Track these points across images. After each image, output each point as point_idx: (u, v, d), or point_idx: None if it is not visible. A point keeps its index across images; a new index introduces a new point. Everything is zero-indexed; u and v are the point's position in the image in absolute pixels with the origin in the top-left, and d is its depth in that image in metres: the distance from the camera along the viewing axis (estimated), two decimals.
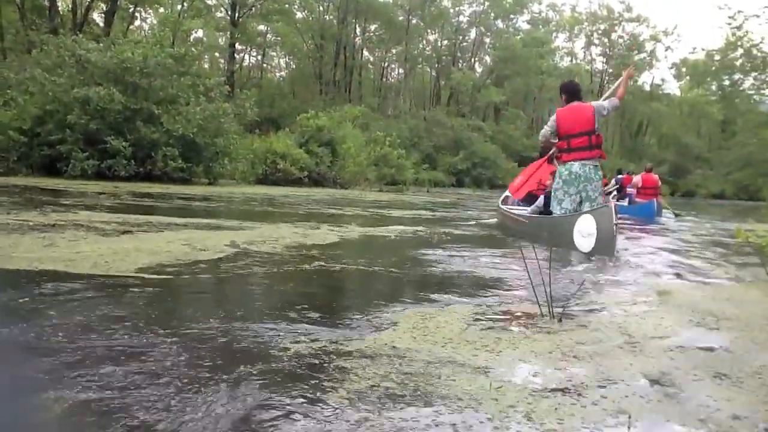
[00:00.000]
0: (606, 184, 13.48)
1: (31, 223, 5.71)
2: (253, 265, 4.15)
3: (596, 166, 6.28)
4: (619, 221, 5.73)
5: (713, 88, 61.02)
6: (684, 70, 66.78)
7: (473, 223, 9.60)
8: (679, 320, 2.94)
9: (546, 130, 6.51)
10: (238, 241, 5.29)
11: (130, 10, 34.92)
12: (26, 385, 1.72)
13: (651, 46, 63.40)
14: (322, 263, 4.41)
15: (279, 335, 2.32)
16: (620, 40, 62.89)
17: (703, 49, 61.81)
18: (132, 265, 3.82)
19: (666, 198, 18.01)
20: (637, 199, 14.65)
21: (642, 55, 63.57)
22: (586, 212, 5.69)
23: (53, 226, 5.65)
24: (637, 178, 15.24)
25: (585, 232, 5.59)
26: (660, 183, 15.14)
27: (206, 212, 9.10)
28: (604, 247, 5.32)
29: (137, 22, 40.35)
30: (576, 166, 6.22)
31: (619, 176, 16.45)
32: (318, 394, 1.73)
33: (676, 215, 14.81)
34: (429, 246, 6.25)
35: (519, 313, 3.01)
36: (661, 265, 5.34)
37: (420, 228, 7.95)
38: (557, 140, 6.44)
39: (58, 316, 2.42)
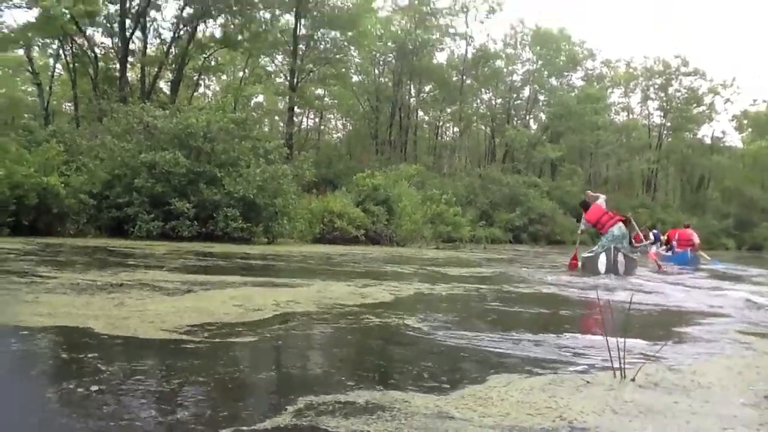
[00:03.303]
0: (641, 239, 17.85)
1: (99, 283, 5.94)
2: (306, 325, 4.21)
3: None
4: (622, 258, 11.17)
5: None
6: (745, 122, 65.19)
7: (533, 279, 9.48)
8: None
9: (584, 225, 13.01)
10: (293, 299, 5.38)
11: (195, 78, 36.48)
12: None
13: (710, 99, 62.14)
14: (380, 323, 4.43)
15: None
16: (678, 94, 61.93)
17: (764, 101, 60.35)
18: (189, 321, 3.94)
19: (731, 251, 23.95)
20: (678, 250, 18.88)
21: (700, 109, 62.43)
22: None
23: (121, 285, 5.86)
24: (673, 233, 19.51)
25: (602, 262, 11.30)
26: (695, 237, 18.99)
27: (265, 271, 9.27)
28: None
29: (201, 89, 42.06)
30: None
31: (654, 231, 21.08)
32: None
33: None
34: (488, 302, 6.21)
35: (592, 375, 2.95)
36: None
37: (481, 286, 7.90)
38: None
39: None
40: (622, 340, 2.97)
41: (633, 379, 2.79)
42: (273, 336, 3.73)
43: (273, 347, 3.49)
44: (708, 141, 65.13)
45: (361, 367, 2.98)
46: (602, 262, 11.23)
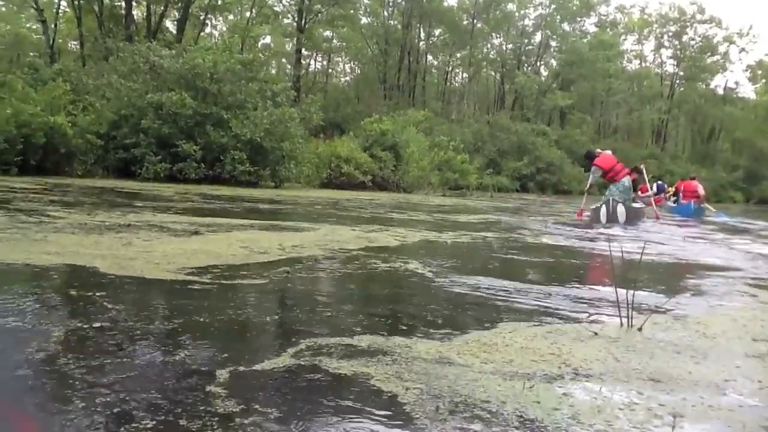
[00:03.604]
0: (647, 190, 17.78)
1: (107, 223, 5.97)
2: (312, 268, 4.24)
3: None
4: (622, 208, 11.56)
5: None
6: (760, 72, 64.04)
7: (540, 228, 9.49)
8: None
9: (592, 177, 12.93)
10: (299, 242, 5.40)
11: (201, 18, 35.91)
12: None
13: (724, 48, 61.06)
14: (386, 268, 4.46)
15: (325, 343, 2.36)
16: (692, 42, 60.74)
17: None
18: (195, 263, 3.97)
19: (739, 204, 23.34)
20: (683, 201, 18.82)
21: (715, 58, 61.33)
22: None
23: (129, 226, 5.89)
24: (679, 185, 19.51)
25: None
26: (700, 189, 18.77)
27: (272, 214, 9.30)
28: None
29: (208, 29, 41.46)
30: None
31: (659, 182, 20.73)
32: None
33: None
34: (498, 251, 6.23)
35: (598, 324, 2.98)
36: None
37: (487, 234, 7.92)
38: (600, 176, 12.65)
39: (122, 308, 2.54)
40: (630, 291, 2.98)
41: (640, 329, 2.80)
42: (278, 279, 3.75)
43: (278, 290, 3.52)
44: (720, 91, 64.22)
45: (366, 312, 3.00)
46: (603, 213, 11.75)
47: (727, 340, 2.78)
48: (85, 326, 2.35)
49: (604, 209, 11.79)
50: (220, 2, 35.74)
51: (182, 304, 2.88)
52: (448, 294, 3.59)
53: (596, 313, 3.21)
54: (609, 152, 13.13)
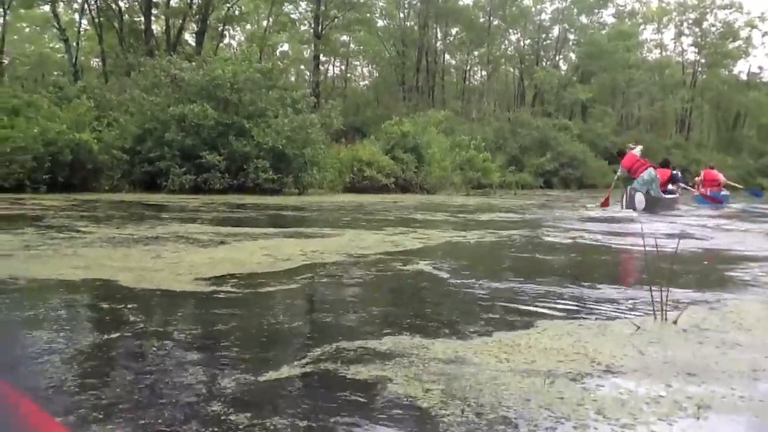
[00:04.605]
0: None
1: (135, 236, 6.07)
2: (336, 274, 4.27)
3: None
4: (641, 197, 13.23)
5: None
6: None
7: (566, 225, 9.44)
8: None
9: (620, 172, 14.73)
10: (324, 249, 5.44)
11: (219, 29, 36.27)
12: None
13: (746, 33, 59.96)
14: (410, 271, 4.48)
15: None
16: (713, 29, 59.89)
17: None
18: (222, 271, 4.04)
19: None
20: (702, 190, 18.77)
21: (737, 43, 60.39)
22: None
23: (157, 238, 5.99)
24: (701, 174, 19.44)
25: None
26: (720, 176, 19.19)
27: (297, 221, 9.37)
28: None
29: (226, 40, 41.84)
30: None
31: (674, 171, 19.44)
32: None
33: (756, 193, 20.23)
34: (524, 250, 6.22)
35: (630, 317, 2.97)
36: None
37: (513, 232, 7.90)
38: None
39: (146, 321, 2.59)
40: (663, 284, 2.98)
41: (675, 322, 2.80)
42: (302, 285, 3.80)
43: (301, 296, 3.56)
44: (744, 77, 63.14)
45: (388, 316, 3.02)
46: (624, 201, 13.82)
47: (763, 330, 2.76)
48: (117, 338, 2.41)
49: (625, 197, 13.85)
50: (237, 12, 36.08)
51: (208, 314, 2.93)
52: (471, 296, 3.60)
53: (630, 309, 3.21)
54: (638, 149, 14.72)
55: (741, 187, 19.72)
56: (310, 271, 4.31)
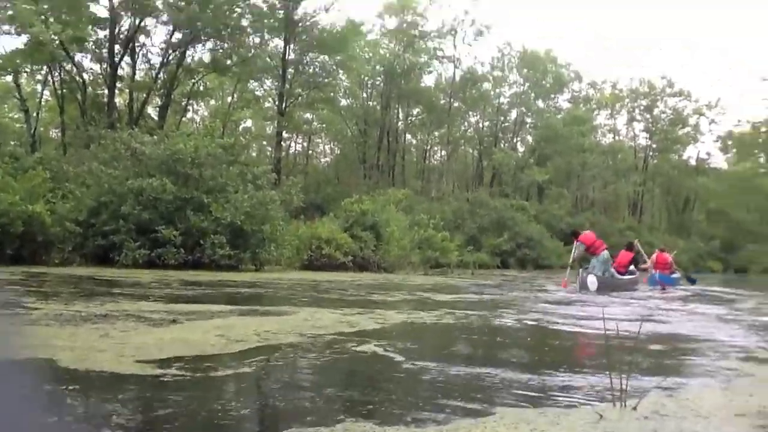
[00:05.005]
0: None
1: (83, 314, 5.92)
2: (290, 356, 4.22)
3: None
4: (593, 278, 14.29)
5: (762, 160, 59.90)
6: (730, 143, 65.67)
7: (523, 307, 9.51)
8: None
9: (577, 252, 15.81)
10: (279, 329, 5.38)
11: (183, 104, 36.55)
12: None
13: (694, 120, 62.99)
14: (366, 354, 4.44)
15: None
16: (663, 115, 62.67)
17: (748, 121, 60.65)
18: (172, 353, 3.95)
19: (717, 274, 25.67)
20: (653, 271, 18.71)
21: (686, 130, 63.15)
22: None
23: (106, 316, 5.85)
24: (653, 257, 19.28)
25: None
26: (670, 259, 19.36)
27: (252, 299, 9.26)
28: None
29: (189, 114, 42.10)
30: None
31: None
32: None
33: (691, 280, 20.02)
34: (480, 333, 6.23)
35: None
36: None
37: (470, 312, 7.92)
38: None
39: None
40: (624, 372, 3.02)
41: (635, 408, 2.82)
42: (257, 368, 3.74)
43: (253, 380, 3.50)
44: (693, 162, 65.74)
45: (343, 401, 2.99)
46: (579, 282, 14.64)
47: (719, 419, 2.80)
48: (52, 421, 2.33)
49: (579, 279, 14.70)
50: (202, 88, 36.51)
51: (153, 398, 2.86)
52: (427, 381, 3.58)
53: (589, 396, 3.22)
54: (590, 232, 16.50)
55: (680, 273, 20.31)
56: (263, 352, 4.25)
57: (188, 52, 32.34)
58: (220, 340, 4.64)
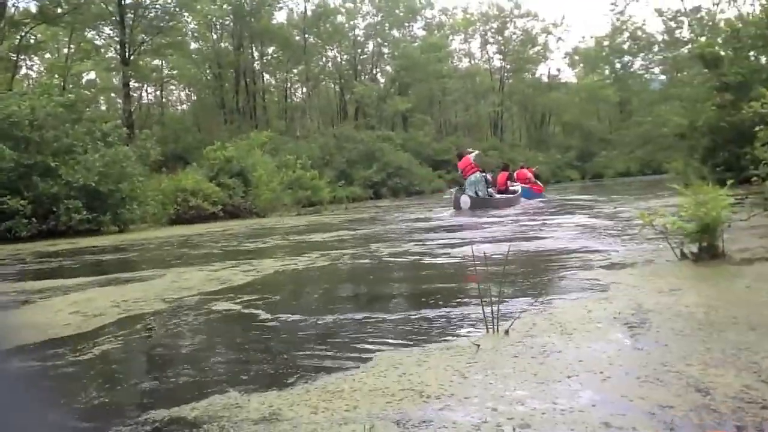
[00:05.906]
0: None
1: None
2: (153, 327, 3.94)
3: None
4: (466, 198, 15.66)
5: (606, 72, 63.68)
6: (577, 58, 69.33)
7: (398, 237, 9.57)
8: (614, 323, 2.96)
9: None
10: (142, 296, 5.05)
11: (14, 60, 33.32)
12: None
13: (543, 39, 65.81)
14: (234, 313, 4.24)
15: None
16: (514, 36, 64.93)
17: (592, 37, 64.05)
18: (20, 340, 3.58)
19: (576, 182, 27.29)
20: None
21: (536, 49, 65.79)
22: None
23: None
24: (515, 174, 20.58)
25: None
26: (530, 175, 20.84)
27: (117, 265, 8.70)
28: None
29: (23, 71, 38.57)
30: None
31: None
32: None
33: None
34: (354, 275, 6.15)
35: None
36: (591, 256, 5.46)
37: (345, 252, 7.85)
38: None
39: None
40: (495, 295, 3.01)
41: (507, 332, 2.83)
42: (111, 347, 3.44)
43: (107, 361, 3.21)
44: (546, 79, 68.83)
45: (202, 373, 2.79)
46: (452, 201, 16.12)
47: (580, 334, 2.85)
48: None
49: (453, 199, 16.20)
50: (33, 41, 33.36)
51: None
52: (299, 335, 3.44)
53: (462, 326, 3.21)
54: (474, 154, 17.67)
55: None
56: (122, 327, 3.95)
57: (10, 2, 29.33)
58: (76, 318, 4.26)
